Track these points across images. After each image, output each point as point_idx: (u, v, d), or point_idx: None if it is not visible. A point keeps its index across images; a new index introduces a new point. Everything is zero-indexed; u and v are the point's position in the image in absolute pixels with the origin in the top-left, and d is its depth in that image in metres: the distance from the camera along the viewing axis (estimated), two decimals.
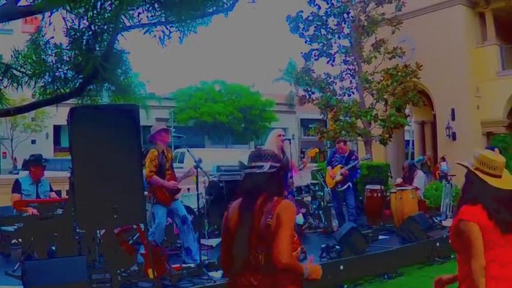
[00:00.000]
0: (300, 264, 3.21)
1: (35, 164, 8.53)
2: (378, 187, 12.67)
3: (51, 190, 8.69)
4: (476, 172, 3.51)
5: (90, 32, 5.08)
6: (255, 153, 3.45)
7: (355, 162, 11.25)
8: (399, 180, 12.80)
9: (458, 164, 3.74)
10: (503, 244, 3.37)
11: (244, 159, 4.21)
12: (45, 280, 5.51)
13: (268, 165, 3.29)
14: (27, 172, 8.83)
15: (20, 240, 8.22)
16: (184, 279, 7.10)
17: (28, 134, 36.38)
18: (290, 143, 9.33)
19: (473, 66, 21.58)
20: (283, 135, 9.08)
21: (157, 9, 5.23)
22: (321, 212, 12.23)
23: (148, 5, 5.20)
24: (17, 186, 8.33)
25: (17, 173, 21.86)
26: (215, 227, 10.87)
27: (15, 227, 7.77)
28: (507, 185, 3.47)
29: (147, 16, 5.35)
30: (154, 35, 5.38)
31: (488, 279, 3.30)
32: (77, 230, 7.04)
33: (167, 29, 5.35)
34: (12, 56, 5.48)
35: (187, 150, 8.66)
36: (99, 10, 4.62)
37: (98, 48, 5.25)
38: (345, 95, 21.12)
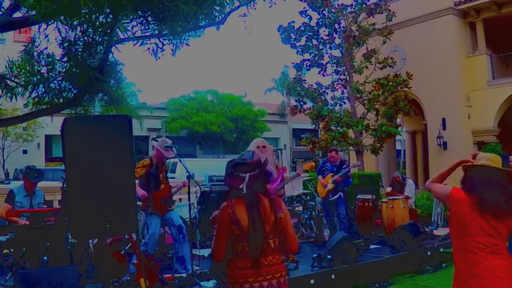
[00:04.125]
0: None
1: (26, 177, 8.49)
2: (369, 196, 12.70)
3: (44, 203, 8.65)
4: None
5: (85, 44, 5.11)
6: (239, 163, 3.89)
7: (347, 169, 11.27)
8: (389, 189, 12.83)
9: None
10: (488, 232, 3.63)
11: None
12: None
13: (247, 176, 3.82)
14: (20, 182, 8.78)
15: (12, 250, 8.18)
16: None
17: (19, 144, 36.11)
18: (281, 153, 9.34)
19: (464, 75, 21.66)
20: (262, 146, 9.08)
21: (151, 22, 5.27)
22: (312, 221, 12.24)
23: (142, 18, 5.24)
24: (10, 197, 8.28)
25: (9, 183, 21.71)
26: (207, 237, 10.85)
27: (7, 237, 7.73)
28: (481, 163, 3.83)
29: (140, 29, 5.39)
30: (148, 48, 5.42)
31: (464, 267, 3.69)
32: (69, 240, 7.04)
33: (160, 41, 5.39)
34: (6, 66, 5.50)
35: (180, 161, 8.65)
36: (93, 22, 4.66)
37: (92, 60, 5.28)
38: (336, 105, 21.27)
